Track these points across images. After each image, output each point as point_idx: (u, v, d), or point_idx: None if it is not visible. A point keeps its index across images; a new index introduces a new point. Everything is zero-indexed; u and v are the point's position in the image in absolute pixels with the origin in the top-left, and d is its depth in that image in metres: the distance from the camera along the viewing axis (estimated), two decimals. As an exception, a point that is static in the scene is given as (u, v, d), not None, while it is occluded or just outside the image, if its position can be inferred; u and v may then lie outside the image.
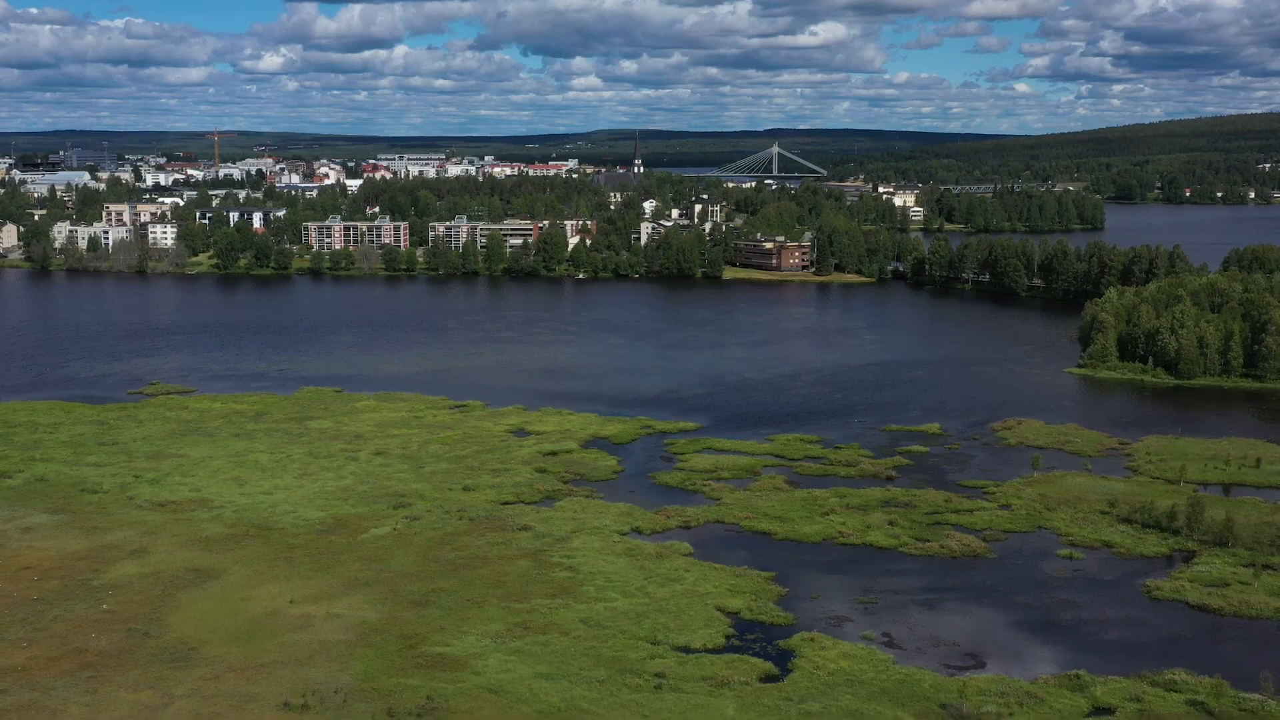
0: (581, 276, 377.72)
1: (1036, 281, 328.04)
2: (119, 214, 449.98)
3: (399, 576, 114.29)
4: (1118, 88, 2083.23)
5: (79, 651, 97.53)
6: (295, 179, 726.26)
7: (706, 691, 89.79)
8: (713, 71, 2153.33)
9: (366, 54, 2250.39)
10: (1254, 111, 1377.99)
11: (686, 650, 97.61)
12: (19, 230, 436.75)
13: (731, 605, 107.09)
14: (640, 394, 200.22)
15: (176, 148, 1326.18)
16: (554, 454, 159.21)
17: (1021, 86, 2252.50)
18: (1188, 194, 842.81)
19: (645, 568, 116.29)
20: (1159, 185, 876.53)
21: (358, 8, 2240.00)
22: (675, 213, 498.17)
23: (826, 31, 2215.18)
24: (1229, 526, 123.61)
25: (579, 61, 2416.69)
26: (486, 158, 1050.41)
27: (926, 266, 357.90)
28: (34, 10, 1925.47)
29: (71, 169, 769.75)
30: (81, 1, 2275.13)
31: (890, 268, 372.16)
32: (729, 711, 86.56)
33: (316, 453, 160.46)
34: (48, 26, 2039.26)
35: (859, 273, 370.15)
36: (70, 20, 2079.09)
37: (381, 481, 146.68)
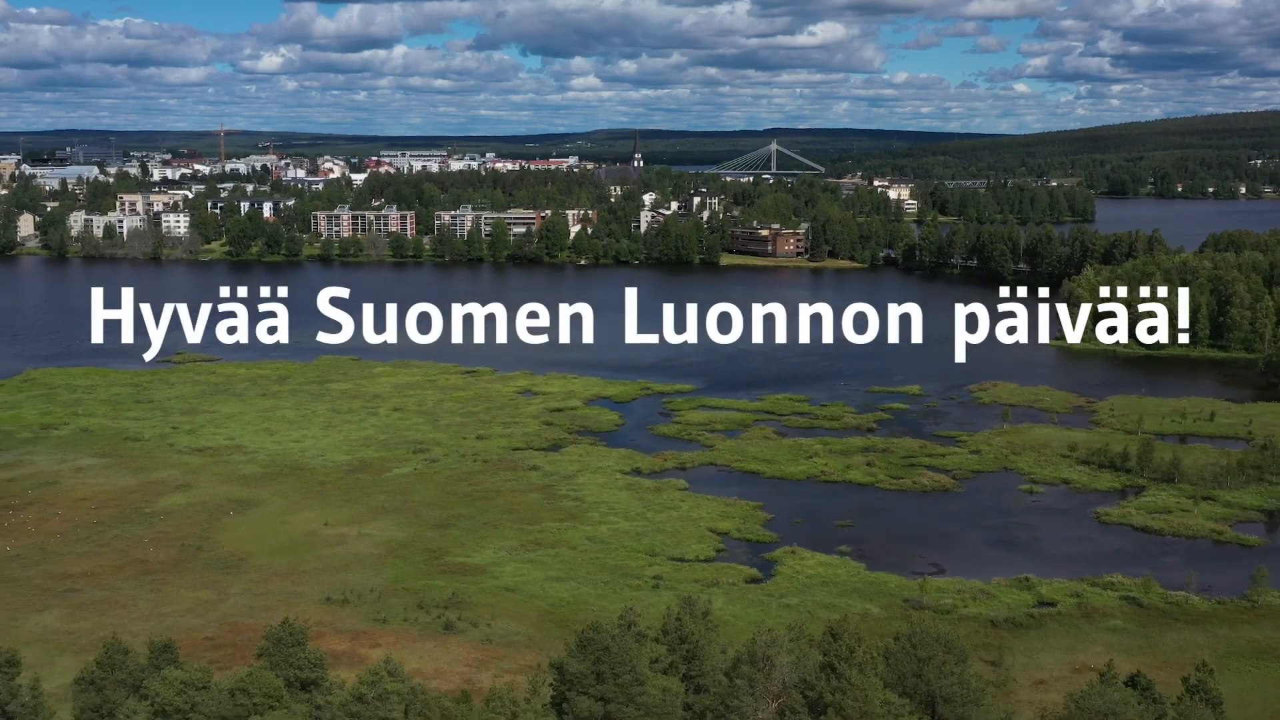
0: (583, 263, 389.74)
1: (1022, 266, 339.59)
2: (132, 204, 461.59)
3: (421, 505, 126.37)
4: (1117, 88, 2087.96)
5: (141, 561, 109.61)
6: (300, 173, 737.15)
7: (699, 589, 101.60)
8: (712, 71, 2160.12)
9: (366, 54, 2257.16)
10: (1250, 110, 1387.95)
11: (681, 560, 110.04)
12: (35, 220, 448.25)
13: (721, 527, 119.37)
14: (640, 362, 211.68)
15: (177, 147, 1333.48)
16: (560, 410, 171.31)
17: (1021, 87, 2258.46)
18: (1179, 189, 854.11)
19: (644, 498, 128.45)
20: (1152, 180, 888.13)
21: (356, 7, 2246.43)
22: (674, 205, 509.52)
23: (825, 31, 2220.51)
24: (1176, 465, 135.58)
25: (578, 61, 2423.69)
26: (488, 155, 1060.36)
27: (917, 252, 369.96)
28: (33, 10, 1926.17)
29: (79, 164, 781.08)
30: (81, 1, 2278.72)
31: (882, 254, 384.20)
32: (718, 604, 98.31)
33: (339, 409, 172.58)
34: (47, 26, 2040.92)
35: (852, 259, 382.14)
36: (70, 20, 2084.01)
37: (401, 432, 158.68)
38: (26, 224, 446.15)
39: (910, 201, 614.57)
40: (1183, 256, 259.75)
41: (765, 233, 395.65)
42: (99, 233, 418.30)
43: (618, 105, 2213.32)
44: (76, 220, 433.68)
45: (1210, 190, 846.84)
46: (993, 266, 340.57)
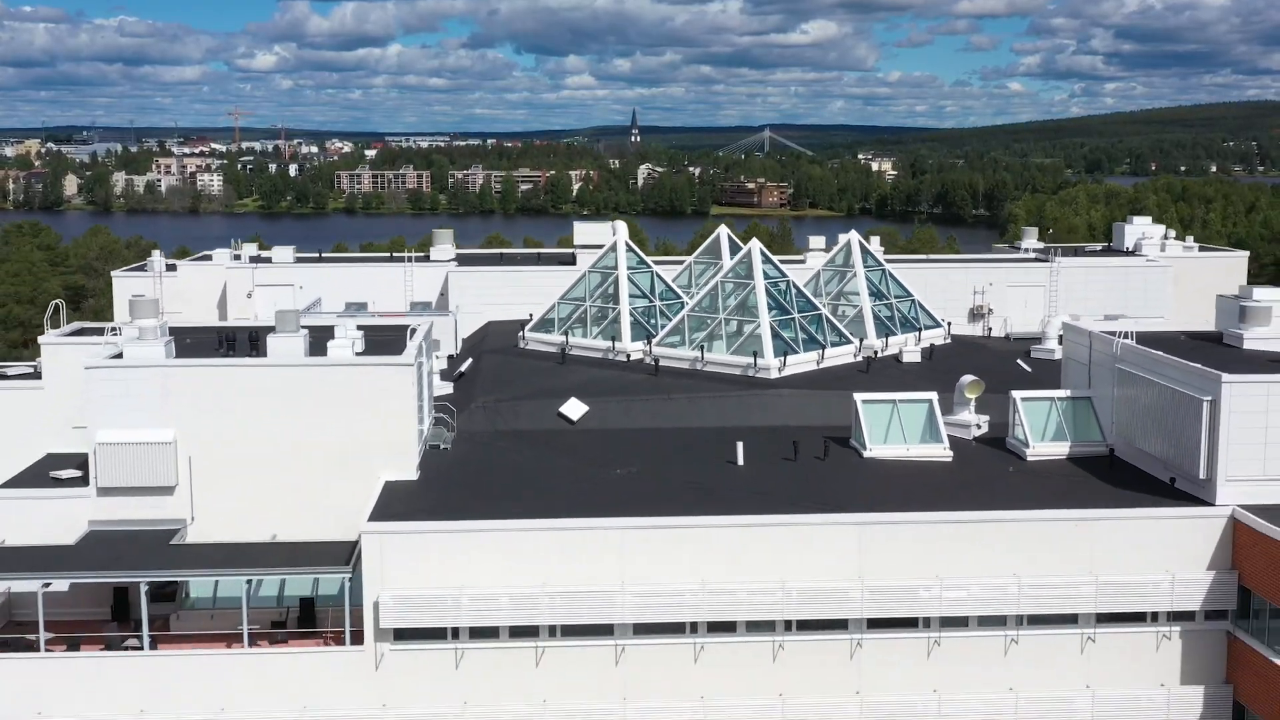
0: (585, 213, 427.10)
1: (981, 211, 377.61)
2: (167, 165, 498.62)
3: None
4: (1110, 86, 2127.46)
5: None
6: (313, 149, 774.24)
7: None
8: (705, 70, 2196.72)
9: (360, 52, 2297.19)
10: (1234, 101, 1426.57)
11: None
12: (77, 182, 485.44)
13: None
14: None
15: (187, 136, 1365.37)
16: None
17: (1015, 85, 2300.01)
18: (1153, 168, 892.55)
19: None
20: (1127, 160, 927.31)
21: (350, 6, 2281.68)
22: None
23: (817, 30, 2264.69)
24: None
25: (572, 60, 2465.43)
26: (489, 142, 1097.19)
27: (888, 202, 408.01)
28: (27, 8, 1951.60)
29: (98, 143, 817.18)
30: (76, 0, 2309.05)
31: (858, 205, 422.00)
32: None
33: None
34: (41, 25, 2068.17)
35: (830, 208, 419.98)
36: (64, 19, 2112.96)
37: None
38: (70, 184, 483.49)
39: (892, 172, 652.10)
40: (1110, 184, 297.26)
41: (751, 185, 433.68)
42: (140, 190, 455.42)
43: (612, 104, 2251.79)
44: (118, 179, 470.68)
45: (1183, 169, 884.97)
46: (955, 211, 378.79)
